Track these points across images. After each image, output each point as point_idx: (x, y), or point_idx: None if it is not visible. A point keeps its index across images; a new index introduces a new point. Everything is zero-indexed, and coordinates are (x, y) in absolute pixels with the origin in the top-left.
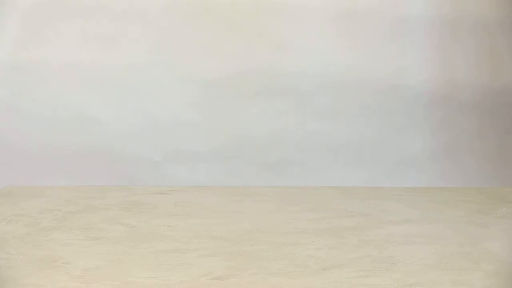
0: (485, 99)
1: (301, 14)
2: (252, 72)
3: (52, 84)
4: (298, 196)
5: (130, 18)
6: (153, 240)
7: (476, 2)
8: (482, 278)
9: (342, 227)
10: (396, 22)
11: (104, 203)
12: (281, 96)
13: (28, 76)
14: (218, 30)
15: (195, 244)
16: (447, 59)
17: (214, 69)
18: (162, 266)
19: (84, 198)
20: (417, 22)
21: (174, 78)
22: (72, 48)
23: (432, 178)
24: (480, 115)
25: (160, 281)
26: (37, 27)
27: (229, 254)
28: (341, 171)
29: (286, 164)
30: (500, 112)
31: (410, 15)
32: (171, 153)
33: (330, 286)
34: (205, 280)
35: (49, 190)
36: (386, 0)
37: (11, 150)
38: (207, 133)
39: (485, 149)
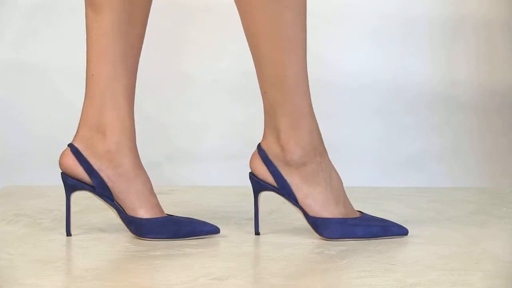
0: (486, 99)
1: None
2: (252, 72)
3: (52, 84)
4: None
5: None
6: (153, 240)
7: (477, 2)
8: (482, 278)
9: None
10: (396, 22)
11: (104, 203)
12: None
13: (28, 76)
14: (218, 30)
15: (195, 244)
16: (447, 59)
17: (214, 69)
18: (162, 267)
19: (84, 198)
20: (417, 22)
21: (174, 78)
22: (72, 48)
23: (432, 178)
24: (480, 115)
25: (160, 282)
26: (37, 27)
27: (229, 254)
28: (341, 171)
29: None
30: (501, 112)
31: (410, 15)
32: (171, 153)
33: (330, 286)
34: (205, 281)
35: (49, 190)
36: (385, 1)
37: (11, 150)
38: (207, 133)
39: (485, 149)
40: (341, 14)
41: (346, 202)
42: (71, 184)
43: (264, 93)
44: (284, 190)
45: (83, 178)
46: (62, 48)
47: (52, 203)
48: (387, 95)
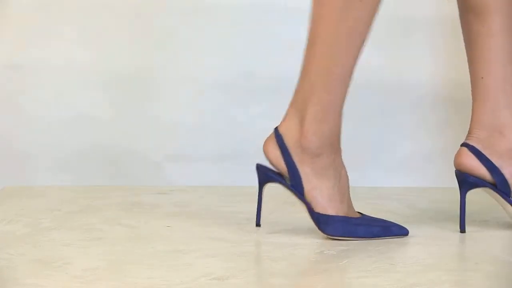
0: None
1: (301, 14)
2: (252, 72)
3: (52, 84)
4: None
5: (130, 18)
6: (153, 240)
7: None
8: (482, 278)
9: None
10: (396, 22)
11: (104, 203)
12: (281, 96)
13: (28, 76)
14: (218, 30)
15: (195, 244)
16: (447, 59)
17: (214, 69)
18: (162, 267)
19: (84, 198)
20: (418, 22)
21: (174, 78)
22: (72, 48)
23: (432, 178)
24: None
25: (160, 282)
26: (37, 27)
27: (229, 254)
28: None
29: None
30: None
31: (410, 15)
32: (171, 153)
33: (330, 286)
34: (205, 281)
35: (49, 190)
36: (386, 1)
37: (11, 150)
38: (207, 133)
39: None
40: None
41: (350, 203)
42: (472, 182)
43: (306, 74)
44: (294, 179)
45: (485, 176)
46: (62, 48)
47: (52, 203)
48: (387, 95)
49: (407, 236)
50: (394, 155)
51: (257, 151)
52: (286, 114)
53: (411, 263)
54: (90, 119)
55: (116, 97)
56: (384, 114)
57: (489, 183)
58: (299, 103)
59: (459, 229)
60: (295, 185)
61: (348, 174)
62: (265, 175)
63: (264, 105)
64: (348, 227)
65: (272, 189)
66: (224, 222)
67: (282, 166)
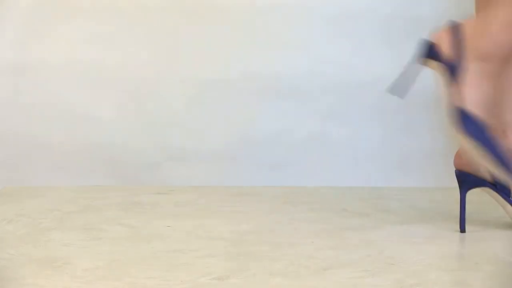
0: None
1: (301, 14)
2: (252, 72)
3: (52, 84)
4: (298, 196)
5: (130, 18)
6: (153, 240)
7: None
8: (482, 278)
9: (342, 227)
10: (397, 22)
11: (104, 203)
12: (281, 96)
13: (28, 76)
14: (218, 30)
15: (195, 244)
16: None
17: (214, 69)
18: (162, 267)
19: (84, 198)
20: (418, 23)
21: (174, 78)
22: (72, 48)
23: (432, 178)
24: None
25: (160, 281)
26: (37, 27)
27: (229, 254)
28: (341, 171)
29: (286, 164)
30: None
31: (410, 15)
32: (171, 153)
33: (330, 286)
34: (205, 281)
35: (49, 190)
36: (387, 0)
37: (11, 150)
38: (207, 133)
39: None
40: (342, 14)
41: (495, 120)
42: (472, 181)
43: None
44: (454, 64)
45: (484, 176)
46: (62, 48)
47: (52, 203)
48: (388, 94)
49: (407, 236)
50: (394, 155)
51: (257, 151)
52: (473, 17)
53: (411, 263)
54: (89, 119)
55: (116, 97)
56: (384, 114)
57: (489, 183)
58: (492, 9)
59: (459, 229)
60: (453, 67)
61: (349, 173)
62: (430, 52)
63: (264, 105)
64: (483, 135)
65: (272, 190)
66: (224, 222)
67: (448, 49)
